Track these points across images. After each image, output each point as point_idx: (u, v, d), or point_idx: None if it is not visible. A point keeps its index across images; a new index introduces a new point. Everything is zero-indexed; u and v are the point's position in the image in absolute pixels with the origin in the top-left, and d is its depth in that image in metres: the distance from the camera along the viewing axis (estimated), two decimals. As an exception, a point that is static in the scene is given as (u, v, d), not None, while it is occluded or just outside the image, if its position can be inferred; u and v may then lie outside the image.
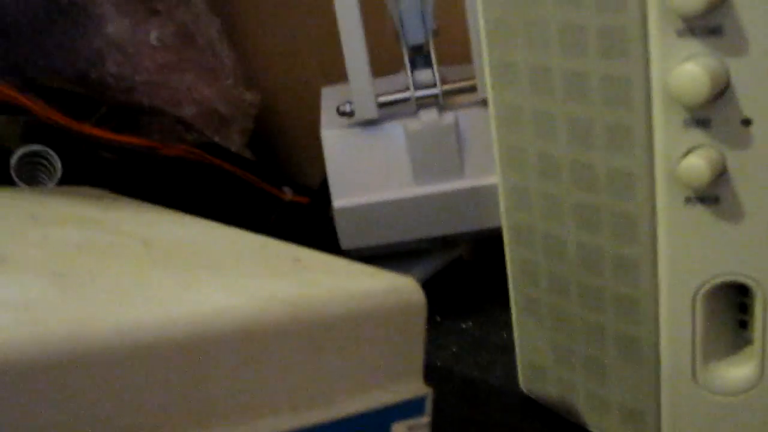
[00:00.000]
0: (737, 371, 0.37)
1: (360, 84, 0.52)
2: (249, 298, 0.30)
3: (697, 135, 0.33)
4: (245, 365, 0.29)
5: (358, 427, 0.33)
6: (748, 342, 0.38)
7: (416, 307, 0.35)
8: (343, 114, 0.53)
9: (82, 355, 0.25)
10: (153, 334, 0.27)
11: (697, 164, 0.33)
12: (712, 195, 0.34)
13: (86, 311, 0.27)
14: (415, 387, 0.35)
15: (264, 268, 0.36)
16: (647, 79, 0.33)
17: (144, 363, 0.26)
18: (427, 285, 0.56)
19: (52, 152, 0.56)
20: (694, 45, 0.32)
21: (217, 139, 0.72)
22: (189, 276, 0.33)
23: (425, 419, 0.35)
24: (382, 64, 0.58)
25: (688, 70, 0.32)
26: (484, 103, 0.53)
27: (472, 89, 0.53)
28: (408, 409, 0.35)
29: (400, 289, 0.35)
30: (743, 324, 0.38)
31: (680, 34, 0.32)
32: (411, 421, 0.35)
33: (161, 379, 0.27)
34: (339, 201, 0.53)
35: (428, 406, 0.35)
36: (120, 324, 0.26)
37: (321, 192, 0.62)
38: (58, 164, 0.57)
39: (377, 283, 0.35)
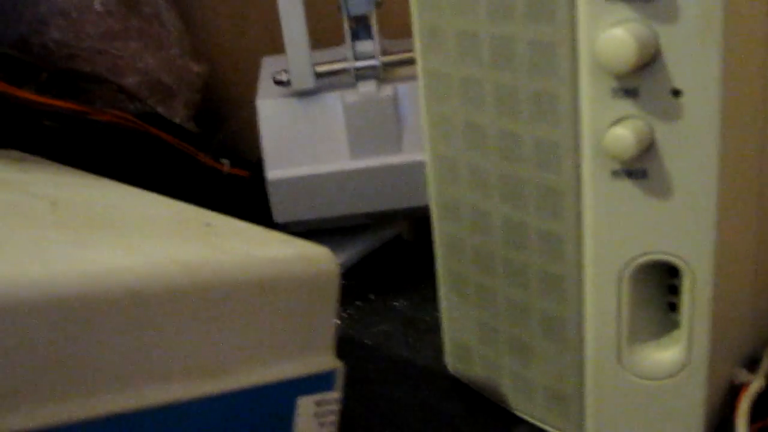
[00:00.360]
0: (664, 355, 0.36)
1: (297, 52, 0.50)
2: (144, 259, 0.29)
3: (624, 105, 0.32)
4: (134, 328, 0.27)
5: (261, 399, 0.31)
6: (676, 325, 0.37)
7: (328, 276, 0.33)
8: (279, 83, 0.52)
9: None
10: (35, 291, 0.25)
11: (624, 135, 0.32)
12: (640, 169, 0.33)
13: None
14: (324, 360, 0.34)
15: (172, 231, 0.34)
16: (574, 45, 0.32)
17: (24, 320, 0.25)
18: (363, 263, 0.55)
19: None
20: (622, 10, 0.31)
21: (160, 110, 0.71)
22: (88, 236, 0.31)
23: (334, 395, 0.34)
24: (325, 37, 0.56)
25: (615, 35, 0.30)
26: (425, 76, 0.52)
27: (413, 62, 0.52)
28: (316, 383, 0.33)
29: (311, 257, 0.33)
30: (672, 307, 0.37)
31: (609, -2, 0.31)
32: (319, 396, 0.33)
33: (42, 339, 0.25)
34: (273, 172, 0.52)
35: (338, 381, 0.34)
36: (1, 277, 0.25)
37: (259, 165, 0.60)
38: (-13, 128, 0.55)
39: (288, 250, 0.33)
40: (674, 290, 0.36)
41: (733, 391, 0.39)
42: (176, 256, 0.30)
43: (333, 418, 0.34)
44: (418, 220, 0.59)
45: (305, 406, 0.33)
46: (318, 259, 0.34)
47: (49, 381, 0.26)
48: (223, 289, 0.30)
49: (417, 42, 0.38)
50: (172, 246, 0.31)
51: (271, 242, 0.34)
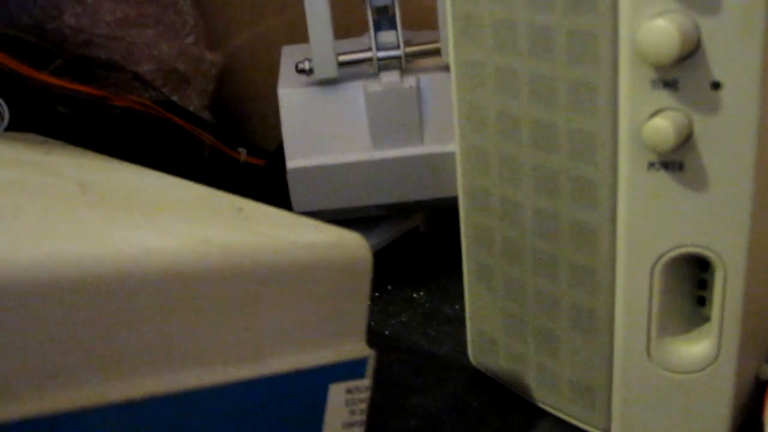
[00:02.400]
0: (693, 348, 0.36)
1: (320, 40, 0.50)
2: (180, 240, 0.29)
3: (664, 97, 0.32)
4: (173, 311, 0.27)
5: (294, 385, 0.31)
6: (705, 319, 0.36)
7: (362, 263, 0.33)
8: (301, 71, 0.51)
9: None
10: (73, 270, 0.25)
11: (663, 127, 0.31)
12: (677, 161, 0.33)
13: (2, 243, 0.25)
14: (356, 348, 0.33)
15: (204, 215, 0.34)
16: (615, 35, 0.32)
17: (62, 299, 0.24)
18: (381, 254, 0.55)
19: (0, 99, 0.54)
20: (665, 0, 0.31)
21: (175, 98, 0.70)
22: (120, 216, 0.31)
23: (366, 382, 0.34)
24: (348, 28, 0.56)
25: (658, 25, 0.30)
26: (447, 67, 0.51)
27: (436, 52, 0.52)
28: (347, 370, 0.33)
29: (345, 243, 0.33)
30: (701, 301, 0.37)
31: (652, -12, 0.31)
32: (350, 383, 0.33)
33: (80, 319, 0.25)
34: (293, 162, 0.51)
35: (369, 368, 0.34)
36: (38, 257, 0.24)
37: (277, 155, 0.60)
38: (6, 112, 0.55)
39: (322, 235, 0.33)
40: (703, 284, 0.36)
41: (759, 388, 0.39)
42: (213, 238, 0.29)
43: (363, 406, 0.34)
44: (436, 212, 0.59)
45: (337, 393, 0.33)
46: (352, 245, 0.33)
47: (85, 362, 0.25)
48: (260, 272, 0.30)
49: (450, 31, 0.38)
50: (207, 229, 0.31)
51: (304, 228, 0.34)
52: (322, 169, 0.51)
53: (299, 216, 0.36)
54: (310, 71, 0.51)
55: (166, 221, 0.31)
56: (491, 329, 0.42)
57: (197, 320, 0.28)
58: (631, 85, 0.32)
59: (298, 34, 0.59)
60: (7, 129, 0.55)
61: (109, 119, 0.59)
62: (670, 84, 0.32)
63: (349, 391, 0.33)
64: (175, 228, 0.30)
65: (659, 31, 0.30)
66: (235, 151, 0.63)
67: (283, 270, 0.30)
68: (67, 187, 0.35)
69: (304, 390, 0.32)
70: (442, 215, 0.58)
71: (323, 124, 0.52)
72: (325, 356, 0.32)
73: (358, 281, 0.33)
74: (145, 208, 0.33)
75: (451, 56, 0.39)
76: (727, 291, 0.35)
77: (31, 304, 0.24)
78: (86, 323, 0.25)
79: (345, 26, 0.54)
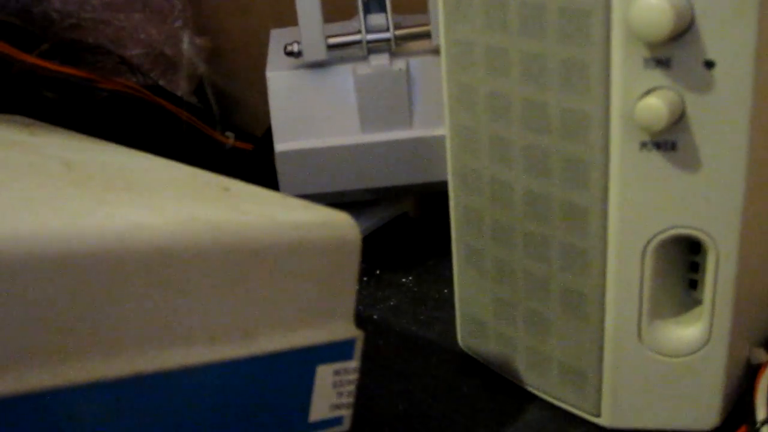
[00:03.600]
0: (684, 332, 0.36)
1: (309, 22, 0.50)
2: (168, 216, 0.28)
3: (656, 76, 0.32)
4: (159, 288, 0.27)
5: (281, 365, 0.31)
6: (696, 303, 0.36)
7: (350, 243, 0.33)
8: (290, 54, 0.51)
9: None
10: (58, 245, 0.24)
11: (656, 106, 0.31)
12: (669, 140, 0.32)
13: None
14: (344, 329, 0.33)
15: (192, 194, 0.33)
16: (607, 12, 0.32)
17: (44, 275, 0.24)
18: (369, 238, 0.54)
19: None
20: (658, -23, 0.30)
21: (162, 82, 0.70)
22: (106, 194, 0.30)
23: (353, 364, 0.33)
24: (336, 10, 0.55)
25: (651, 2, 0.30)
26: (437, 51, 0.51)
27: (426, 35, 0.51)
28: (335, 351, 0.33)
29: (334, 223, 0.33)
30: (693, 284, 0.36)
31: (645, -36, 0.30)
32: (338, 365, 0.33)
33: (63, 295, 0.24)
34: (281, 145, 0.51)
35: (357, 350, 0.33)
36: (21, 232, 0.24)
37: (265, 139, 0.59)
38: (-10, 93, 0.54)
39: (310, 214, 0.33)
40: (695, 268, 0.36)
41: (751, 371, 0.38)
42: (200, 215, 0.29)
43: (351, 387, 0.33)
44: (425, 196, 0.58)
45: (324, 374, 0.32)
46: (340, 225, 0.33)
47: (71, 339, 0.25)
48: (248, 251, 0.29)
49: (440, 10, 0.38)
50: (195, 207, 0.31)
51: (292, 207, 0.34)
52: (310, 153, 0.51)
53: (287, 196, 0.35)
54: (299, 54, 0.51)
55: (153, 199, 0.31)
56: (480, 312, 0.42)
57: (184, 298, 0.28)
58: (624, 63, 0.32)
59: (286, 17, 0.59)
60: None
61: (96, 102, 0.59)
62: (663, 62, 0.31)
63: (336, 372, 0.33)
64: (162, 205, 0.30)
65: (652, 7, 0.30)
66: (223, 136, 0.62)
67: (270, 248, 0.30)
68: (52, 166, 0.34)
69: (292, 370, 0.31)
70: (431, 200, 0.58)
71: (312, 107, 0.51)
72: (312, 336, 0.32)
73: (346, 261, 0.33)
74: (131, 186, 0.33)
75: (441, 36, 0.38)
76: (720, 273, 0.34)
77: (12, 280, 0.23)
78: (70, 300, 0.25)
79: (334, 9, 0.53)
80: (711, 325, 0.35)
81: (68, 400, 0.25)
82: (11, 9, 0.68)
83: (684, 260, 0.36)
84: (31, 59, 0.56)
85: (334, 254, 0.32)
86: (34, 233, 0.24)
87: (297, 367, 0.31)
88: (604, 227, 0.35)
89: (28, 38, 0.63)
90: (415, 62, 0.51)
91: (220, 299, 0.29)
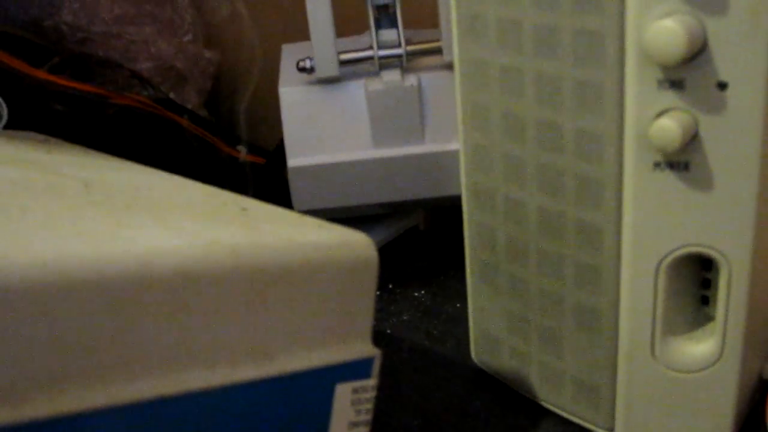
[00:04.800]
0: (697, 348, 0.36)
1: (322, 39, 0.50)
2: (189, 240, 0.29)
3: (670, 97, 0.32)
4: (180, 312, 0.27)
5: (300, 385, 0.31)
6: (708, 318, 0.37)
7: (368, 263, 0.33)
8: (302, 70, 0.51)
9: (1, 290, 0.23)
10: (80, 269, 0.25)
11: (670, 127, 0.31)
12: (683, 161, 0.33)
13: (9, 243, 0.25)
14: (362, 348, 0.33)
15: (208, 214, 0.34)
16: (622, 35, 0.32)
17: (69, 299, 0.24)
18: (381, 252, 0.55)
19: (-2, 97, 0.54)
20: (672, 1, 0.31)
21: (172, 95, 0.70)
22: (127, 216, 0.31)
23: (371, 382, 0.34)
24: (347, 25, 0.56)
25: (665, 26, 0.30)
26: (448, 66, 0.52)
27: (437, 51, 0.52)
28: (354, 370, 0.33)
29: (351, 243, 0.33)
30: (704, 300, 0.37)
31: (659, -12, 0.31)
32: (356, 383, 0.33)
33: (87, 319, 0.25)
34: (294, 160, 0.51)
35: (375, 368, 0.34)
36: (44, 256, 0.24)
37: (277, 153, 0.60)
38: (5, 110, 0.55)
39: (328, 235, 0.33)
40: (707, 284, 0.36)
41: (763, 386, 0.39)
42: (219, 238, 0.29)
43: (369, 406, 0.34)
44: (435, 210, 0.59)
45: (343, 393, 0.33)
46: (358, 245, 0.33)
47: (93, 363, 0.25)
48: (268, 273, 0.30)
49: (454, 29, 0.38)
50: (215, 229, 0.31)
51: (309, 227, 0.34)
52: (323, 168, 0.51)
53: (304, 215, 0.36)
54: (312, 70, 0.51)
55: (173, 221, 0.31)
56: (494, 328, 0.42)
57: (204, 321, 0.28)
58: (638, 84, 0.32)
59: (296, 30, 0.59)
60: (5, 127, 0.55)
61: (106, 116, 0.59)
62: (676, 84, 0.32)
63: (355, 390, 0.33)
64: (182, 228, 0.30)
65: (667, 31, 0.30)
66: (235, 149, 0.63)
67: (289, 270, 0.30)
68: (71, 186, 0.35)
69: (311, 390, 0.32)
70: (441, 213, 0.58)
71: (324, 123, 0.52)
72: (331, 356, 0.32)
73: (364, 281, 0.33)
74: (150, 207, 0.33)
75: (455, 55, 0.39)
76: (732, 290, 0.35)
77: (38, 306, 0.24)
78: (93, 324, 0.25)
79: (345, 24, 0.54)
80: (723, 340, 0.36)
81: (92, 424, 0.25)
82: (22, 22, 0.69)
83: (696, 277, 0.36)
84: (42, 75, 0.56)
85: (352, 274, 0.33)
86: (59, 259, 0.25)
87: (316, 386, 0.32)
88: (618, 245, 0.35)
89: (38, 52, 0.64)
90: (426, 78, 0.51)
91: (241, 321, 0.29)
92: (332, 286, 0.32)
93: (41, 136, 0.48)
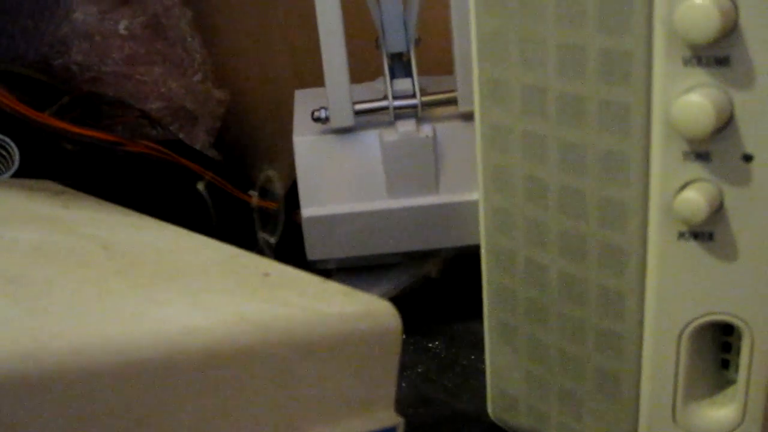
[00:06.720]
0: (718, 413, 0.36)
1: (337, 90, 0.50)
2: (217, 318, 0.29)
3: (695, 169, 0.32)
4: (211, 390, 0.27)
5: (325, 457, 0.31)
6: (729, 382, 0.36)
7: (392, 332, 0.33)
8: (317, 120, 0.51)
9: (36, 378, 0.23)
10: (114, 355, 0.25)
11: (695, 199, 0.31)
12: (707, 231, 0.33)
13: (41, 327, 0.25)
14: (385, 416, 0.33)
15: (232, 282, 0.34)
16: (648, 107, 0.32)
17: (103, 386, 0.24)
18: (393, 301, 0.55)
19: (9, 141, 0.54)
20: (699, 75, 0.31)
21: (182, 136, 0.70)
22: (153, 289, 0.31)
23: (395, 450, 0.34)
24: (359, 70, 0.56)
25: (693, 101, 0.30)
26: (463, 116, 0.52)
27: (452, 102, 0.52)
28: (377, 439, 0.33)
29: (376, 312, 0.33)
30: (724, 363, 0.36)
31: (686, 62, 0.31)
32: (380, 453, 0.33)
33: (121, 404, 0.25)
34: (308, 210, 0.51)
35: (398, 437, 0.34)
36: (77, 343, 0.24)
37: (289, 197, 0.60)
38: (16, 154, 0.54)
39: (352, 305, 0.33)
40: (727, 347, 0.36)
41: (782, 450, 0.39)
42: (246, 314, 0.29)
43: (391, 473, 0.34)
44: (447, 259, 0.59)
45: (366, 462, 0.32)
46: (382, 314, 0.33)
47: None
48: (294, 347, 0.30)
49: (476, 93, 0.38)
50: (239, 301, 0.31)
51: (333, 295, 0.34)
52: (337, 218, 0.51)
53: (326, 281, 0.36)
54: (326, 119, 0.51)
55: (197, 293, 0.31)
56: (513, 387, 0.42)
57: (232, 399, 0.28)
58: (663, 156, 0.32)
59: (306, 71, 0.59)
60: (18, 171, 0.54)
61: (117, 158, 0.59)
62: (702, 156, 0.32)
63: (378, 459, 0.33)
64: (207, 301, 0.30)
65: (695, 106, 0.30)
66: (247, 195, 0.62)
67: (315, 343, 0.30)
68: (92, 251, 0.35)
69: (335, 460, 0.31)
70: (452, 262, 0.58)
71: (338, 172, 0.52)
72: (355, 426, 0.32)
73: (388, 351, 0.33)
74: (174, 276, 0.33)
75: (476, 118, 0.39)
76: (754, 357, 0.34)
77: (69, 394, 0.24)
78: (125, 407, 0.25)
79: (359, 67, 0.54)
80: (745, 405, 0.35)
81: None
82: (31, 62, 0.69)
83: (717, 341, 0.36)
84: (54, 122, 0.56)
85: (377, 345, 0.33)
86: (91, 344, 0.25)
87: (340, 457, 0.32)
88: (641, 312, 0.35)
89: (48, 91, 0.64)
90: (441, 128, 0.51)
91: (268, 396, 0.29)
92: (357, 357, 0.32)
93: (57, 187, 0.48)
